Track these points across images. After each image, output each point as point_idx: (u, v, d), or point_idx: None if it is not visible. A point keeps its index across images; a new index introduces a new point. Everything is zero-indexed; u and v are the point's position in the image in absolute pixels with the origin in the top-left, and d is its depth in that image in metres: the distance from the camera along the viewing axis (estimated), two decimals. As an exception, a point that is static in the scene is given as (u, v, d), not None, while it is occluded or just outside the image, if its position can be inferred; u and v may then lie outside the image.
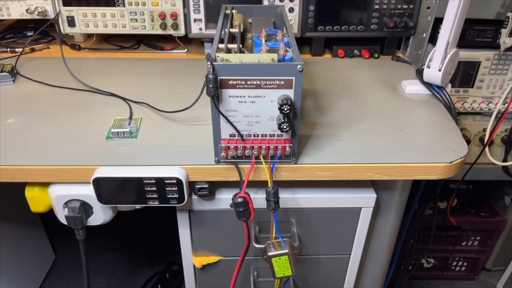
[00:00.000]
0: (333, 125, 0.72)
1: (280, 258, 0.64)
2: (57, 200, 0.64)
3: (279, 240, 0.64)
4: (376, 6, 0.95)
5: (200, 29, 0.96)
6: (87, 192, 0.63)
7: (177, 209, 0.71)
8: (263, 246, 0.65)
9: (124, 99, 0.78)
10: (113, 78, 0.88)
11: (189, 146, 0.65)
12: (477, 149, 1.10)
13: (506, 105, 1.01)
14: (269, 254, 0.64)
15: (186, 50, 1.05)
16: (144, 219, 1.69)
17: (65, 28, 0.98)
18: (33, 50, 1.01)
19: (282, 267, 0.65)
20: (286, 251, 0.63)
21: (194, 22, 0.95)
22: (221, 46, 0.59)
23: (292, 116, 0.55)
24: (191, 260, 0.77)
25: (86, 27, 0.98)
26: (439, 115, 0.76)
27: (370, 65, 0.98)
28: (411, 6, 0.95)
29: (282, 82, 0.53)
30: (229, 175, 0.62)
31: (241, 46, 0.61)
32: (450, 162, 0.62)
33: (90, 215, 0.67)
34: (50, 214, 0.68)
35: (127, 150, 0.64)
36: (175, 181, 0.60)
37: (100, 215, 0.67)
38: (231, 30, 0.67)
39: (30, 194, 0.65)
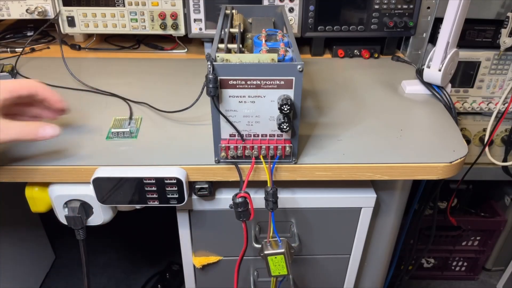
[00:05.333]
0: (333, 125, 0.72)
1: (276, 257, 0.64)
2: (57, 200, 0.64)
3: (276, 239, 0.64)
4: (376, 6, 0.95)
5: (200, 29, 0.96)
6: (87, 192, 0.63)
7: (177, 209, 0.71)
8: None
9: (124, 99, 0.78)
10: (113, 78, 0.88)
11: (189, 146, 0.65)
12: (477, 149, 1.10)
13: (506, 105, 1.01)
14: (266, 252, 0.64)
15: (186, 50, 1.05)
16: (144, 219, 1.69)
17: (65, 28, 0.98)
18: (33, 50, 1.01)
19: (278, 266, 0.65)
20: (283, 250, 0.63)
21: (194, 22, 0.96)
22: (221, 46, 0.59)
23: (292, 116, 0.55)
24: (191, 260, 0.77)
25: (86, 27, 0.98)
26: (439, 115, 0.76)
27: (370, 65, 0.98)
28: (411, 6, 0.95)
29: (282, 82, 0.53)
30: (229, 175, 0.62)
31: (241, 46, 0.61)
32: (450, 162, 0.62)
33: (90, 215, 0.67)
34: (50, 214, 0.68)
35: (127, 150, 0.64)
36: (175, 181, 0.60)
37: (100, 215, 0.67)
38: (231, 30, 0.67)
39: (30, 194, 0.65)
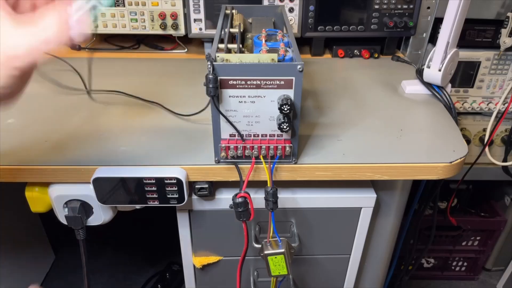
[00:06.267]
0: (333, 125, 0.72)
1: (276, 257, 0.64)
2: (57, 200, 0.64)
3: (276, 239, 0.64)
4: (376, 6, 0.95)
5: (200, 29, 0.96)
6: (87, 192, 0.63)
7: (177, 209, 0.71)
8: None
9: (132, 96, 0.78)
10: (113, 78, 0.88)
11: (189, 146, 0.65)
12: (477, 149, 1.10)
13: (506, 105, 1.01)
14: (266, 252, 0.64)
15: (186, 50, 1.05)
16: (144, 219, 1.69)
17: (65, 28, 0.98)
18: (33, 50, 1.01)
19: (278, 266, 0.65)
20: (283, 250, 0.63)
21: (194, 22, 0.96)
22: (221, 46, 0.59)
23: (292, 116, 0.55)
24: (191, 260, 0.77)
25: (86, 27, 0.97)
26: (439, 115, 0.76)
27: (370, 65, 0.98)
28: (411, 6, 0.95)
29: (282, 82, 0.53)
30: (229, 175, 0.62)
31: (241, 46, 0.61)
32: (450, 162, 0.62)
33: (90, 215, 0.67)
34: (50, 214, 0.68)
35: (127, 150, 0.64)
36: (175, 181, 0.60)
37: (100, 215, 0.67)
38: (231, 30, 0.67)
39: (30, 194, 0.65)
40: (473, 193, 1.38)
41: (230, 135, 0.58)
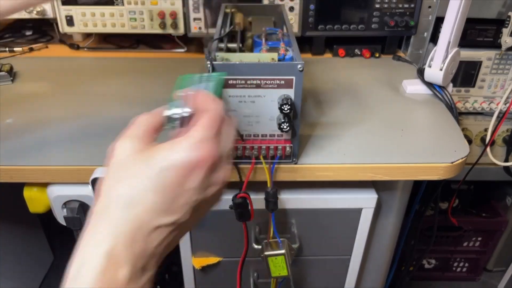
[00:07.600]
0: (334, 125, 0.71)
1: (276, 258, 0.64)
2: (56, 200, 0.63)
3: (276, 240, 0.64)
4: (377, 5, 0.94)
5: (200, 28, 0.96)
6: (86, 193, 0.62)
7: (176, 210, 0.70)
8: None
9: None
10: (112, 77, 0.88)
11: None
12: (478, 149, 1.10)
13: (507, 105, 1.00)
14: (266, 253, 0.63)
15: (185, 49, 1.04)
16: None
17: (64, 28, 0.97)
18: (31, 49, 1.01)
19: (278, 266, 0.64)
20: (283, 251, 0.63)
21: (194, 21, 0.95)
22: (221, 45, 0.58)
23: (292, 116, 0.55)
24: (190, 261, 0.77)
25: (85, 26, 0.97)
26: (440, 115, 0.75)
27: (371, 64, 0.98)
28: (412, 5, 0.94)
29: (282, 82, 0.53)
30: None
31: (241, 45, 0.61)
32: (452, 162, 0.62)
33: (89, 216, 0.66)
34: (48, 215, 0.68)
35: (126, 150, 0.64)
36: (174, 182, 0.59)
37: (99, 215, 0.66)
38: (231, 29, 0.66)
39: (29, 194, 0.64)
40: (474, 193, 1.37)
41: (230, 135, 0.57)
